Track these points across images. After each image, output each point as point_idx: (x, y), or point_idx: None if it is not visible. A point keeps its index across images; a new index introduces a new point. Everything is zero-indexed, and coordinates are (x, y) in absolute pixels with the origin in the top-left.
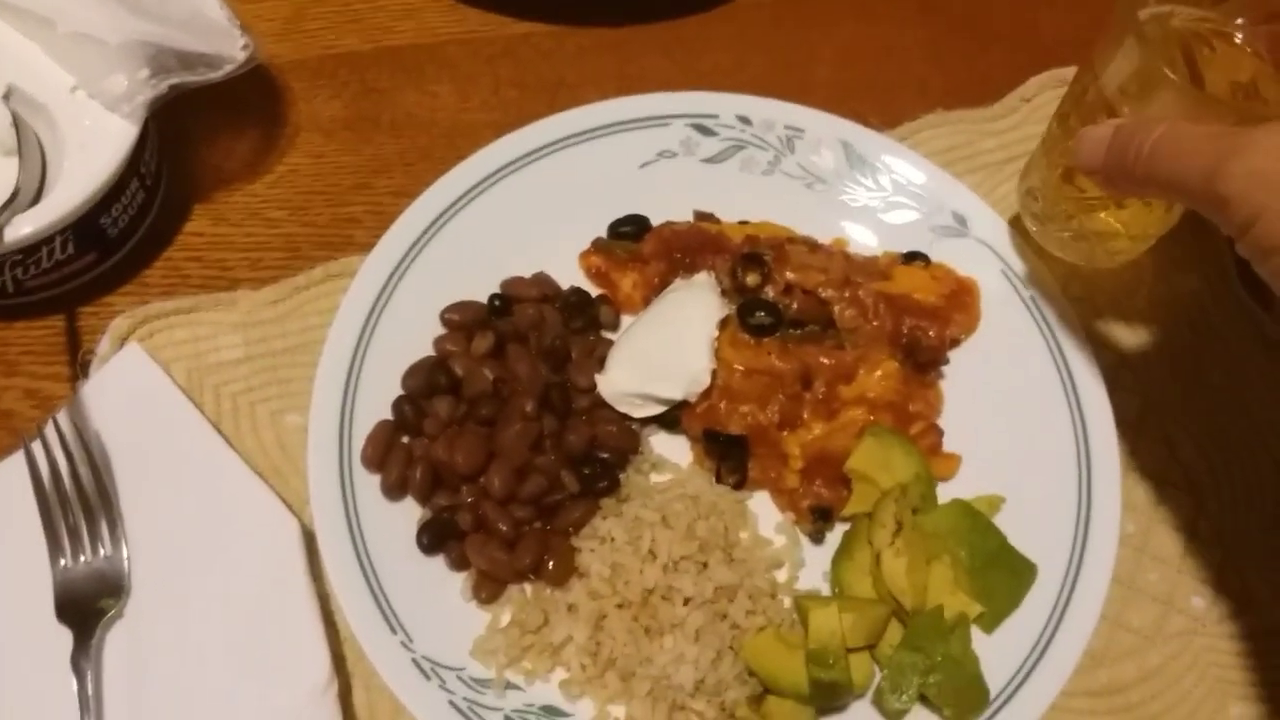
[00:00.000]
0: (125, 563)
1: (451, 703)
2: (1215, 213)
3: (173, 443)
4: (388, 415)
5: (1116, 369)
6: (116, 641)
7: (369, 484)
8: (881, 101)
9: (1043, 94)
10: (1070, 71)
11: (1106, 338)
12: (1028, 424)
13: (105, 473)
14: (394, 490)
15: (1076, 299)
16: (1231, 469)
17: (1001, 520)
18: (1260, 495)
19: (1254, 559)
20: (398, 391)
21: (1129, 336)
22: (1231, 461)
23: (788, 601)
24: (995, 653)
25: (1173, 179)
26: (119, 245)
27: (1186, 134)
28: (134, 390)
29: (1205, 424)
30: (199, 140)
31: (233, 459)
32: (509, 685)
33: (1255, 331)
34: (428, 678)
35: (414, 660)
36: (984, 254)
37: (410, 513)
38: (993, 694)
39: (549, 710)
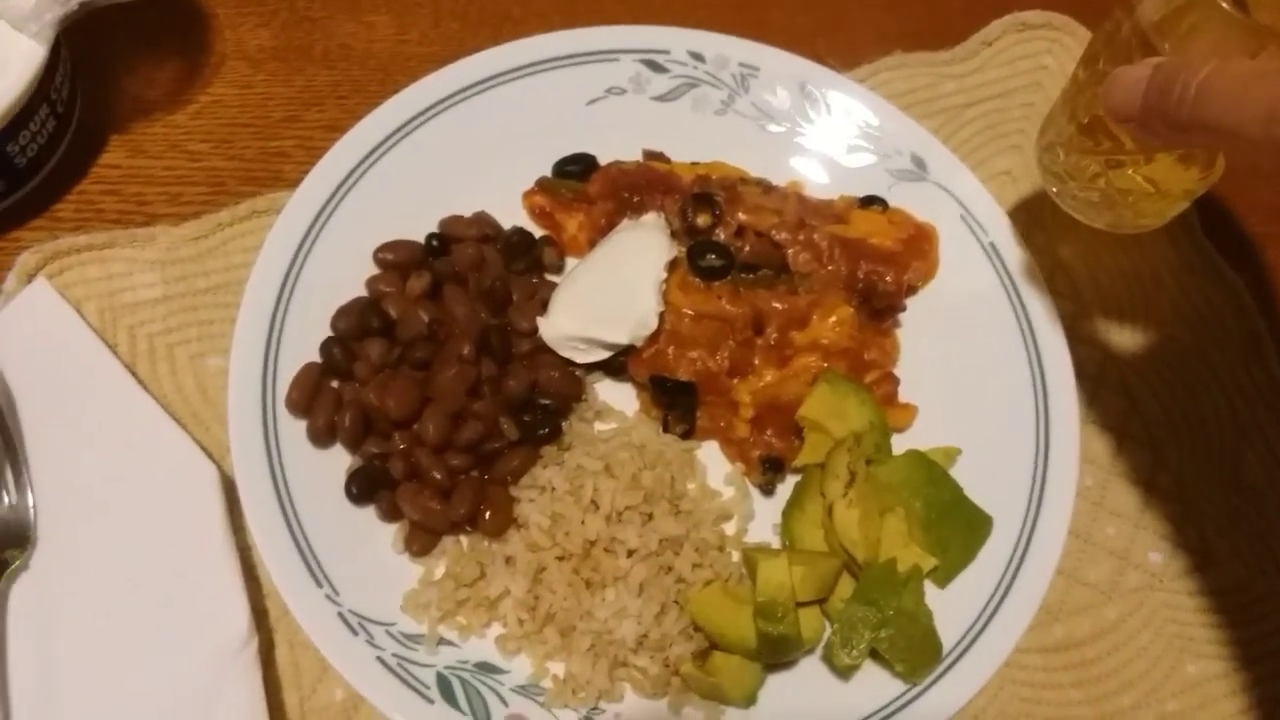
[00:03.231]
0: (31, 512)
1: (380, 659)
2: (1273, 161)
3: (83, 386)
4: (315, 358)
5: (1077, 319)
6: (22, 595)
7: (294, 430)
8: (839, 43)
9: (1005, 37)
10: (1034, 15)
11: (1067, 288)
12: (986, 374)
13: (9, 416)
14: (321, 436)
15: (1039, 249)
16: (1192, 423)
17: (957, 472)
18: (1220, 450)
19: (1213, 514)
20: (326, 333)
21: (1091, 288)
22: (1192, 415)
23: (736, 555)
24: (949, 607)
25: (1224, 123)
26: (28, 176)
27: (1240, 71)
28: (41, 329)
29: (1167, 377)
30: (116, 67)
31: (148, 403)
32: (442, 641)
33: (1221, 286)
34: (355, 633)
35: (340, 615)
36: (943, 199)
37: (338, 461)
38: (946, 649)
39: (484, 667)
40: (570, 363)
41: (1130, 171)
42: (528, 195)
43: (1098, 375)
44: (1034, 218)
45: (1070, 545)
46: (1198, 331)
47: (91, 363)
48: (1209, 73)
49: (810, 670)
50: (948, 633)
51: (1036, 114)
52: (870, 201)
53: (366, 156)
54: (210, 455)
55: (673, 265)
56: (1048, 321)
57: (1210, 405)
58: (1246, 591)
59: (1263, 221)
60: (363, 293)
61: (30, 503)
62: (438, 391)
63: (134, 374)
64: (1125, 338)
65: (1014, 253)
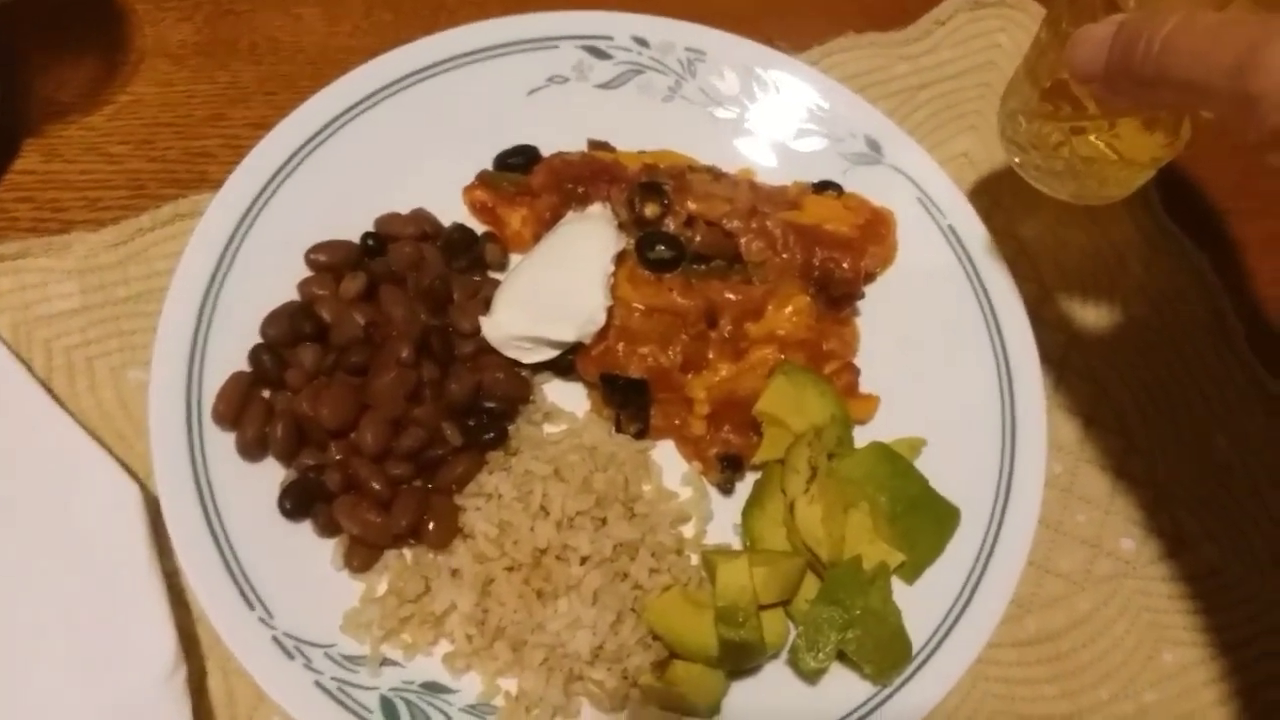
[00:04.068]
0: None
1: (319, 684)
2: (1242, 115)
3: None
4: (244, 367)
5: (1040, 303)
6: None
7: (222, 443)
8: (788, 25)
9: (957, 16)
10: None
11: (1029, 270)
12: (948, 361)
13: None
14: (251, 449)
15: (999, 231)
16: (1161, 405)
17: (922, 463)
18: (1191, 432)
19: (1185, 498)
20: (255, 340)
21: (1054, 270)
22: (1160, 398)
23: (695, 558)
24: (918, 604)
25: (1191, 78)
26: None
27: (1206, 24)
28: None
29: (1134, 360)
30: (29, 68)
31: (64, 420)
32: (385, 661)
33: (1185, 264)
34: (291, 657)
35: (275, 638)
36: (899, 182)
37: (271, 474)
38: (916, 648)
39: (431, 687)
40: (516, 363)
41: (1094, 138)
42: (468, 190)
43: (1063, 359)
44: (994, 199)
45: (1040, 535)
46: (1163, 312)
47: (4, 379)
48: (1174, 26)
49: (776, 676)
50: (917, 631)
51: (992, 94)
52: (824, 187)
53: (295, 153)
54: (134, 474)
55: (621, 258)
56: (1011, 305)
57: (1179, 387)
58: (1221, 576)
59: (1225, 197)
60: (294, 296)
61: None
62: (376, 398)
63: (50, 390)
64: (1090, 320)
65: (974, 235)
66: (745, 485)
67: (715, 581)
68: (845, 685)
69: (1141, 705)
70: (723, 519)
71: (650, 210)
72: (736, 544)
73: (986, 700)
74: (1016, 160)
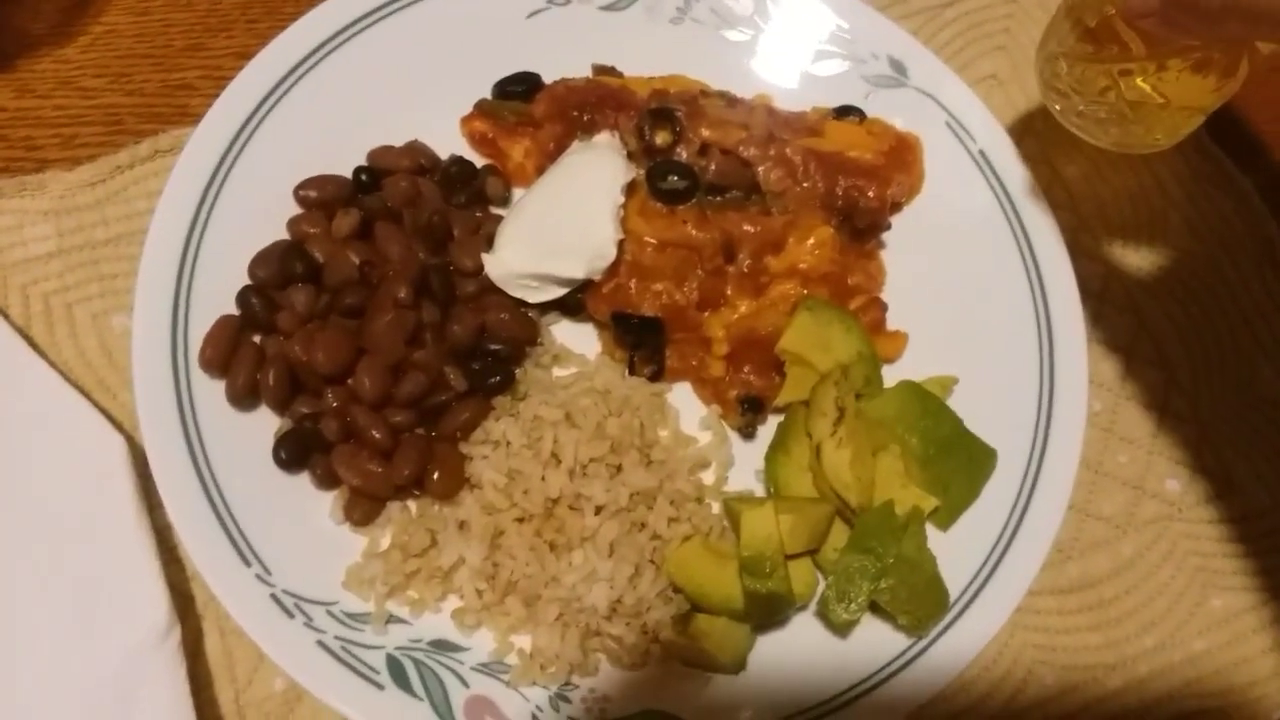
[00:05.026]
0: None
1: (321, 643)
2: None
3: None
4: (231, 310)
5: (1077, 232)
6: None
7: (211, 392)
8: None
9: None
10: None
11: (1065, 199)
12: (981, 295)
13: None
14: (242, 397)
15: (1032, 158)
16: (1205, 338)
17: (955, 403)
18: (1236, 365)
19: (1231, 435)
20: (244, 282)
21: (1091, 197)
22: (1205, 330)
23: (716, 506)
24: (953, 551)
25: (1265, 7)
26: None
27: None
28: None
29: (1176, 291)
30: None
31: (44, 370)
32: (391, 619)
33: (1230, 190)
34: (291, 615)
35: (273, 596)
36: (927, 106)
37: (264, 424)
38: (952, 597)
39: (440, 645)
40: (521, 303)
41: (1140, 81)
42: (466, 120)
43: (1101, 291)
44: (1025, 124)
45: (1080, 476)
46: (1206, 240)
47: None
48: None
49: (804, 628)
50: (953, 579)
51: (1022, 11)
52: (846, 112)
53: (280, 82)
54: (119, 425)
55: (631, 189)
56: (1047, 235)
57: (1223, 318)
58: (1270, 517)
59: (1271, 120)
60: (283, 235)
61: None
62: (373, 341)
63: (28, 339)
64: (1130, 251)
65: (1007, 161)
66: (767, 429)
67: (740, 531)
68: (878, 637)
69: (1189, 654)
70: (744, 464)
71: (661, 138)
72: (759, 491)
73: (1026, 650)
74: (1057, 107)
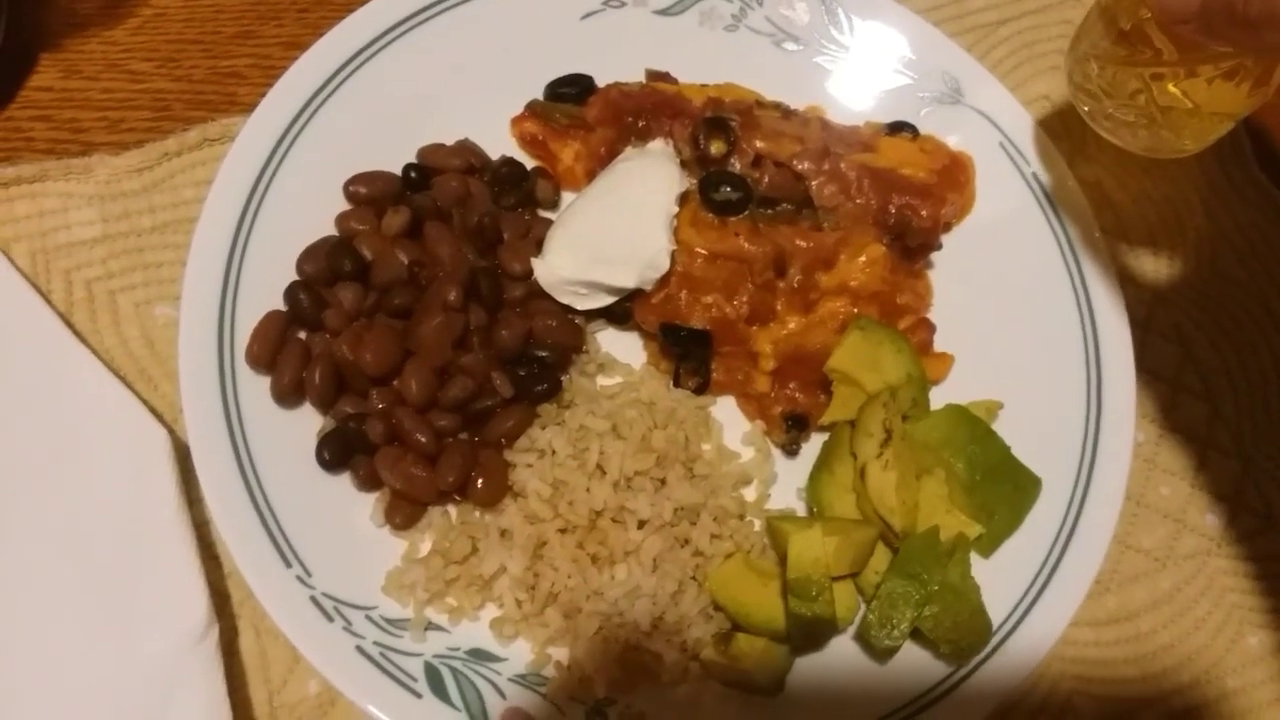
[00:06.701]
0: None
1: (359, 648)
2: None
3: (12, 339)
4: (279, 306)
5: (1125, 258)
6: None
7: (256, 388)
8: None
9: None
10: None
11: (1113, 225)
12: (1029, 319)
13: None
14: (287, 395)
15: (1083, 181)
16: (1249, 370)
17: (1000, 427)
18: None
19: (1274, 471)
20: (291, 277)
21: (1139, 224)
22: (1249, 362)
23: (758, 524)
24: (995, 579)
25: None
26: None
27: None
28: None
29: (1223, 322)
30: None
31: (87, 359)
32: (430, 626)
33: (1273, 216)
34: (330, 619)
35: (313, 598)
36: (980, 125)
37: (308, 422)
38: (994, 626)
39: (478, 654)
40: (569, 310)
41: (1171, 86)
42: (517, 121)
43: (1147, 319)
44: (1076, 146)
45: (1122, 508)
46: (1253, 268)
47: (22, 312)
48: None
49: (843, 652)
50: (994, 608)
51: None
52: (899, 128)
53: (332, 77)
54: (160, 418)
55: (683, 199)
56: (1097, 260)
57: (1269, 351)
58: None
59: None
60: (332, 231)
61: None
62: (420, 343)
63: (71, 325)
64: (1177, 278)
65: (1059, 184)
66: (811, 447)
67: (786, 552)
68: (917, 664)
69: (1224, 690)
70: (786, 482)
71: (716, 148)
72: (800, 509)
73: (1062, 681)
74: (1086, 109)
